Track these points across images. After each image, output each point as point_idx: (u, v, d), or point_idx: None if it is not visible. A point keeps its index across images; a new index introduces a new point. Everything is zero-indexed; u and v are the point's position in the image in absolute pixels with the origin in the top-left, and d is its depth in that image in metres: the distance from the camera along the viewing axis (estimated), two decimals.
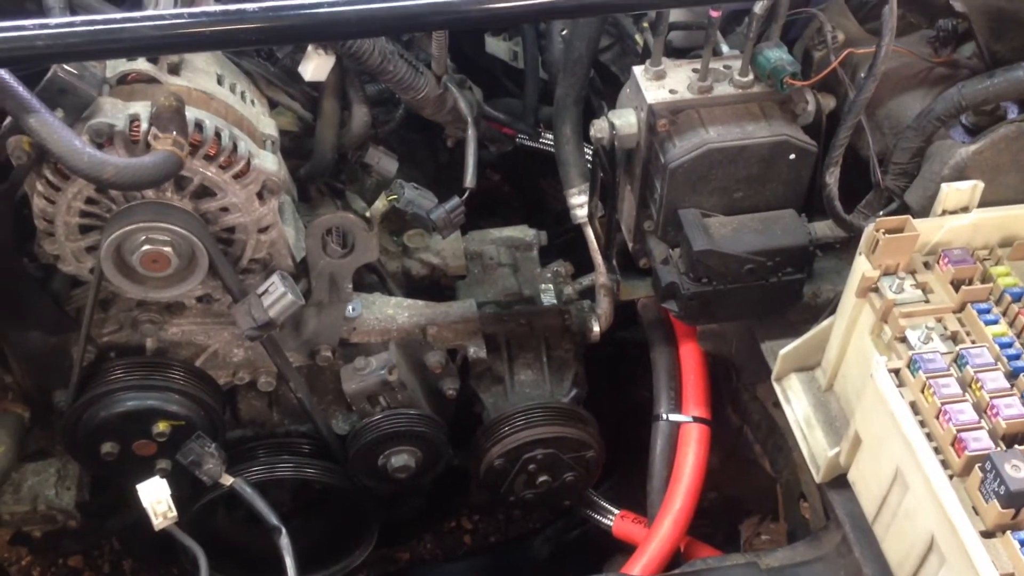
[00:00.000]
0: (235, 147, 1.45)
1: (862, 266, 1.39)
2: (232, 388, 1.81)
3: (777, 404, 1.81)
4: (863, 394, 1.35)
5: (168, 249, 1.46)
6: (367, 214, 1.74)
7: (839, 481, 1.46)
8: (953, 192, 1.41)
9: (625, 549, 1.92)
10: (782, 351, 1.55)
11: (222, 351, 1.74)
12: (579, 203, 1.78)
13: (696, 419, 1.76)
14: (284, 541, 1.53)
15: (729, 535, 2.25)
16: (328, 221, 1.58)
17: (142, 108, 1.40)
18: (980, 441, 1.18)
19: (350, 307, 1.79)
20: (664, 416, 1.77)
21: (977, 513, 1.16)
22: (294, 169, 1.74)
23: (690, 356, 1.79)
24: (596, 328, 1.93)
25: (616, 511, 1.93)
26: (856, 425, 1.36)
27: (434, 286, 2.03)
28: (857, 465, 1.39)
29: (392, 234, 2.03)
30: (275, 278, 1.54)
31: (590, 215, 1.81)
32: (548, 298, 1.96)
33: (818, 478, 1.47)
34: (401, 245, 2.01)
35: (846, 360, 1.48)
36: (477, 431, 1.84)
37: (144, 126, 1.38)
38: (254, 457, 1.80)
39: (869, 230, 1.38)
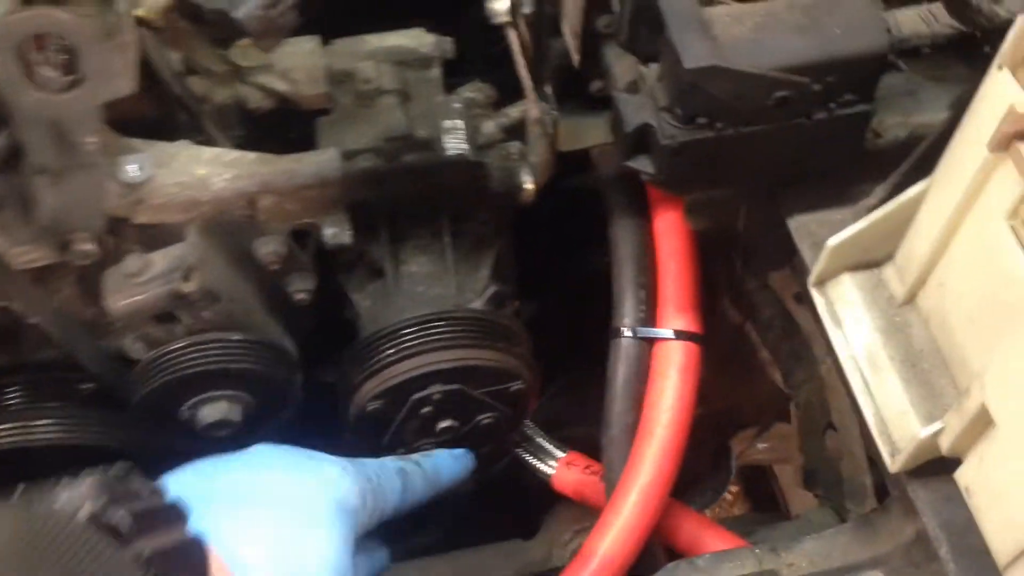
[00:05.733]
0: None
1: (1005, 91, 0.74)
2: None
3: (800, 298, 1.19)
4: (1003, 335, 0.73)
5: None
6: (136, 11, 1.03)
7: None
8: None
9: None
10: (832, 241, 0.90)
11: None
12: None
13: (680, 334, 1.13)
14: None
15: (717, 452, 1.68)
16: (26, 24, 0.87)
17: None
18: None
19: (130, 167, 1.12)
20: (628, 330, 1.15)
21: None
22: None
23: (672, 238, 1.14)
24: (529, 184, 1.28)
25: (560, 454, 1.33)
26: (986, 392, 0.74)
27: (285, 125, 1.35)
28: (981, 463, 0.77)
29: (216, 46, 1.33)
30: None
31: (513, 7, 1.14)
32: (455, 142, 1.28)
33: (892, 465, 0.86)
34: (231, 63, 1.32)
35: (950, 258, 0.84)
36: (343, 353, 1.20)
37: None
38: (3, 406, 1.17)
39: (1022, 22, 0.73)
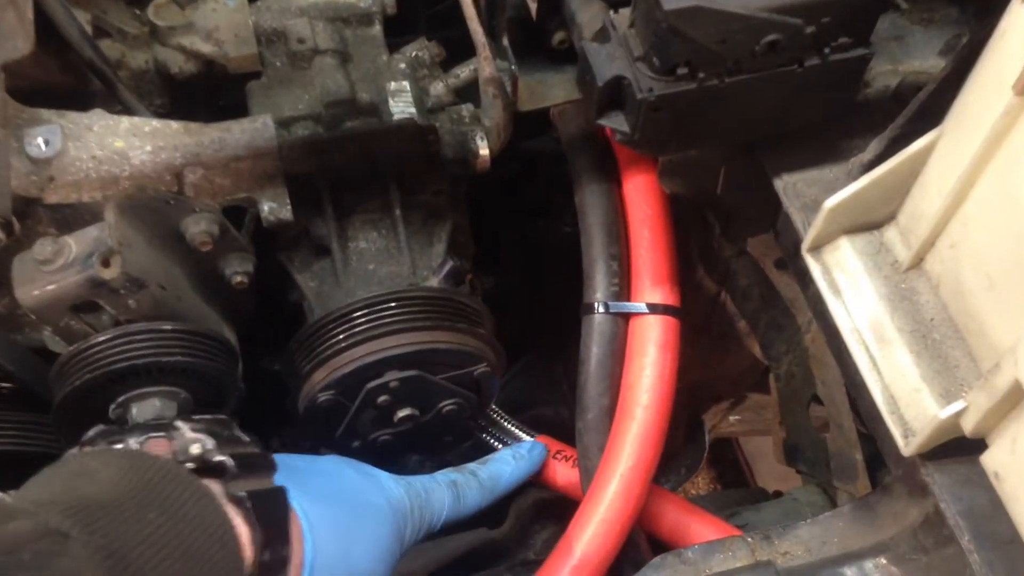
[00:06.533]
0: None
1: None
2: None
3: (782, 264, 1.11)
4: None
5: None
6: None
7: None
8: None
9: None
10: (830, 202, 0.81)
11: None
12: None
13: (657, 308, 1.04)
14: None
15: (690, 427, 1.60)
16: None
17: None
18: None
19: (39, 140, 1.01)
20: (601, 305, 1.05)
21: None
22: None
23: (644, 203, 1.05)
24: (484, 149, 1.18)
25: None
26: (1020, 367, 0.65)
27: (212, 91, 1.23)
28: (1015, 445, 0.69)
29: (129, 3, 1.21)
30: None
31: None
32: (402, 105, 1.18)
33: (906, 448, 0.77)
34: (148, 24, 1.19)
35: (964, 216, 0.76)
36: (289, 340, 1.09)
37: None
38: None
39: None
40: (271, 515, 0.80)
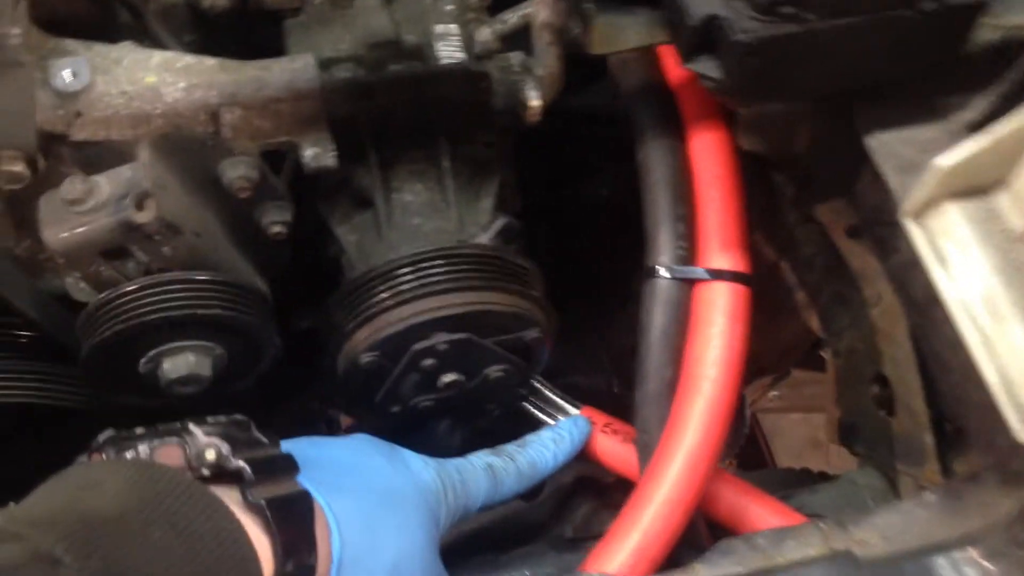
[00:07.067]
0: None
1: None
2: None
3: (855, 232, 1.04)
4: None
5: None
6: None
7: None
8: None
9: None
10: (944, 162, 0.74)
11: None
12: None
13: (726, 275, 0.97)
14: None
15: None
16: None
17: None
18: None
19: (65, 72, 0.93)
20: (664, 270, 0.98)
21: None
22: None
23: (714, 161, 0.98)
24: (535, 100, 1.10)
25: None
26: None
27: (246, 28, 1.15)
28: None
29: None
30: None
31: None
32: (449, 50, 1.10)
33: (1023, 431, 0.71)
34: None
35: None
36: (329, 298, 1.02)
37: None
38: None
39: None
40: (294, 522, 0.76)
